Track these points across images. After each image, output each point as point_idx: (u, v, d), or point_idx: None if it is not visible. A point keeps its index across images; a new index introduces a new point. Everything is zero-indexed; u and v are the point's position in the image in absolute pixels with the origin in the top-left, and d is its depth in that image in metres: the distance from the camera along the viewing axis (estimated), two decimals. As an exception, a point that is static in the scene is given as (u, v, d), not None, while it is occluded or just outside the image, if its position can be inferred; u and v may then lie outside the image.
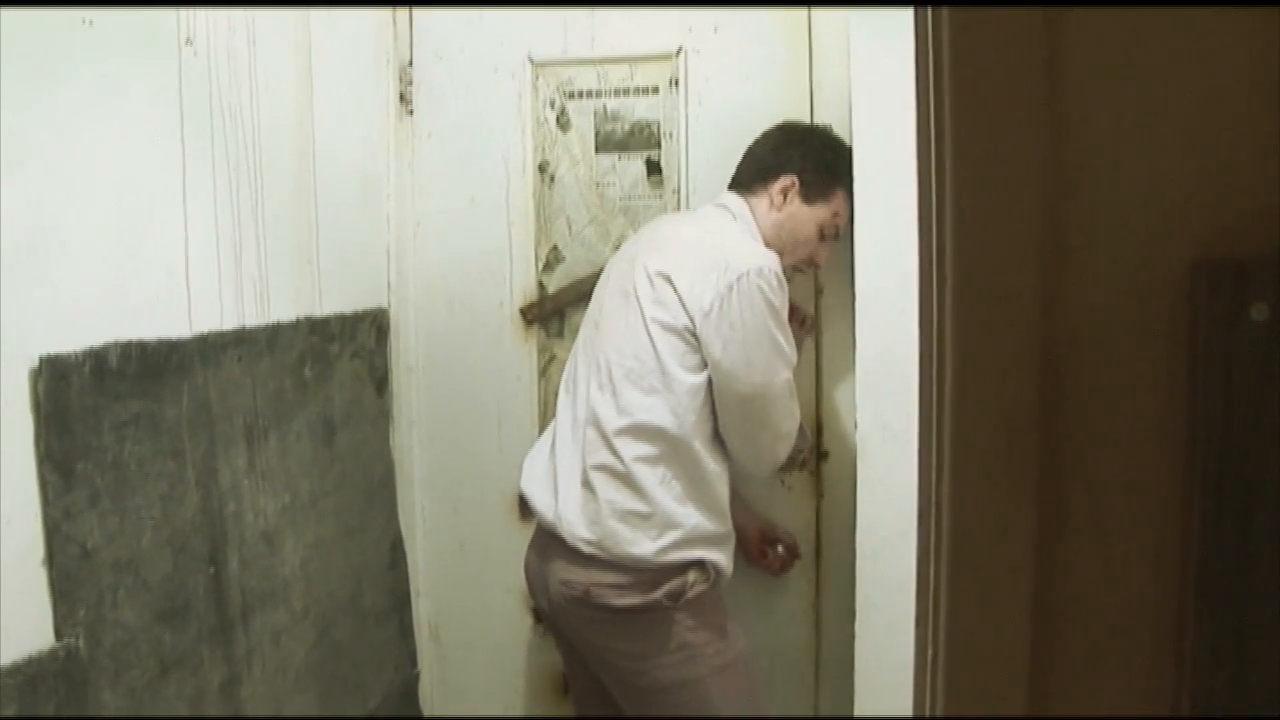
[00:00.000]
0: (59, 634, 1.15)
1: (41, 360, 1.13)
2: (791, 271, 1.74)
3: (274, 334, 1.61)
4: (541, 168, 2.06)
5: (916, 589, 0.70)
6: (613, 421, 1.59)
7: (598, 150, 2.03)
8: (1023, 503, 0.66)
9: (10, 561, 1.10)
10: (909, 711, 0.73)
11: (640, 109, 2.01)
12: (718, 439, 1.63)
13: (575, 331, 1.88)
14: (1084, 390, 0.65)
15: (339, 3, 1.85)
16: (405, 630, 2.09)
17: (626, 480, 1.57)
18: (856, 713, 1.66)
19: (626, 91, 2.01)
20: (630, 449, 1.57)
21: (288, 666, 1.63)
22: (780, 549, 1.97)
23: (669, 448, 1.58)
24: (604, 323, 1.68)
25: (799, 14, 1.93)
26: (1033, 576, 0.66)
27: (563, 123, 2.04)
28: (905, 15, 0.72)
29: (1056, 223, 0.63)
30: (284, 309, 1.65)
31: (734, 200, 1.73)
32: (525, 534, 1.83)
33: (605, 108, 2.02)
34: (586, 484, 1.61)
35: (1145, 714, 0.66)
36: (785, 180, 1.70)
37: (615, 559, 1.57)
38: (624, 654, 1.63)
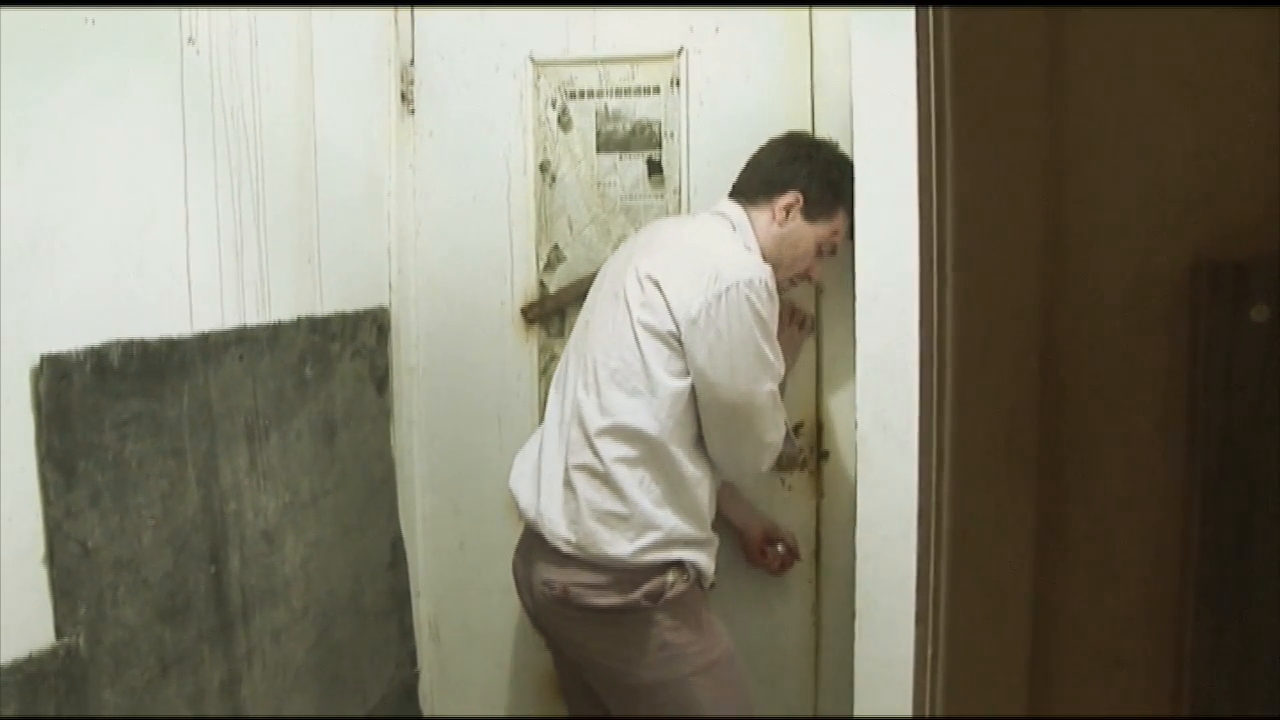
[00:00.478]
0: (59, 632, 1.15)
1: (43, 359, 1.13)
2: (787, 285, 1.74)
3: (275, 333, 1.61)
4: (543, 167, 2.06)
5: (916, 588, 0.70)
6: (595, 421, 1.59)
7: (599, 150, 2.03)
8: (1022, 502, 0.66)
9: (11, 560, 1.10)
10: (909, 711, 0.73)
11: (641, 109, 2.01)
12: (700, 444, 1.63)
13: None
14: (1084, 391, 0.65)
15: (341, 2, 1.85)
16: (405, 629, 2.09)
17: (606, 480, 1.58)
18: (856, 712, 1.66)
19: (628, 91, 2.01)
20: (610, 450, 1.58)
21: (288, 665, 1.63)
22: (780, 548, 1.97)
23: (649, 450, 1.58)
24: (594, 322, 1.68)
25: (800, 14, 1.93)
26: (1032, 576, 0.66)
27: (564, 122, 2.04)
28: (907, 15, 0.72)
29: (1057, 223, 0.63)
30: (285, 308, 1.65)
31: (735, 210, 1.73)
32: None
33: (606, 107, 2.02)
34: (568, 483, 1.61)
35: (1145, 714, 0.66)
36: (789, 197, 1.70)
37: (594, 559, 1.57)
38: (606, 654, 1.63)
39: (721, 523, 1.77)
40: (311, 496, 1.71)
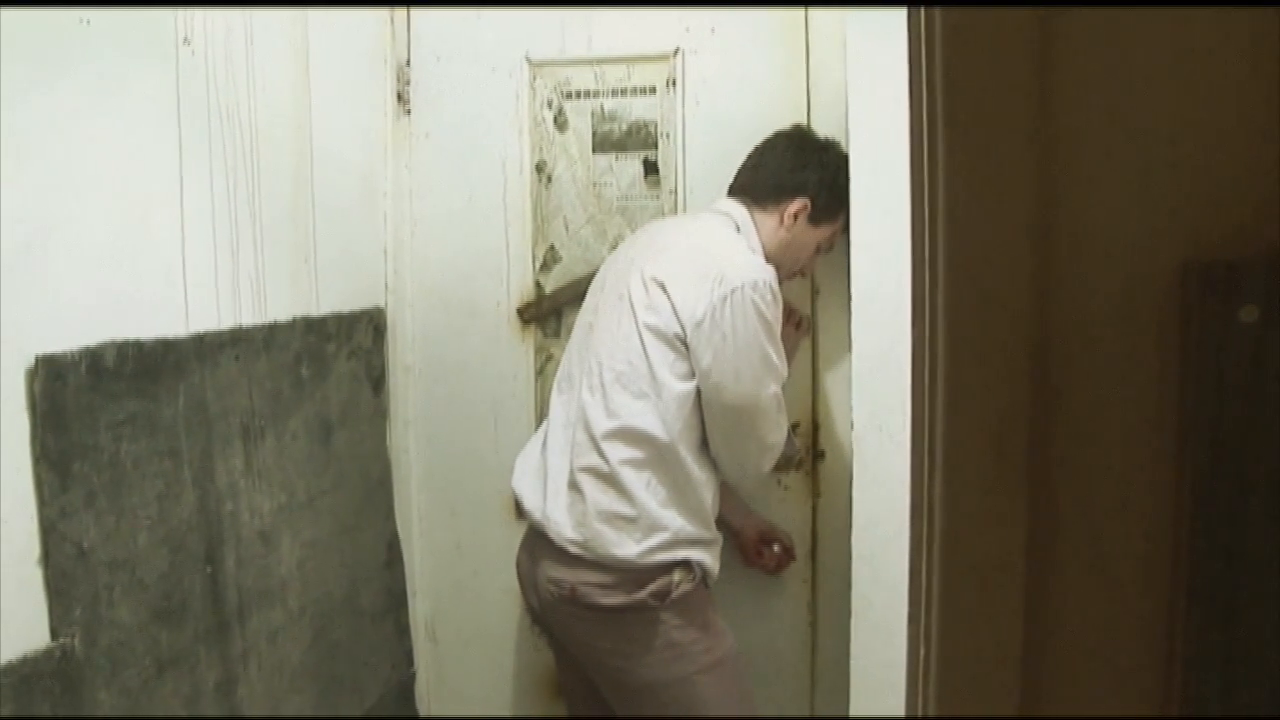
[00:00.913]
0: (54, 633, 1.15)
1: (38, 359, 1.13)
2: (783, 280, 1.75)
3: (271, 333, 1.61)
4: (539, 168, 2.06)
5: (909, 588, 0.71)
6: (601, 424, 1.59)
7: (595, 150, 2.03)
8: (1015, 503, 0.66)
9: (6, 561, 1.10)
10: (904, 711, 0.74)
11: (637, 109, 2.01)
12: (705, 446, 1.64)
13: (571, 331, 1.88)
14: (1075, 391, 0.65)
15: (337, 3, 1.85)
16: (401, 630, 2.09)
17: (612, 482, 1.58)
18: (852, 712, 1.66)
19: (624, 92, 2.01)
20: (617, 452, 1.58)
21: (284, 666, 1.63)
22: (776, 548, 1.97)
23: (655, 453, 1.58)
24: (598, 325, 1.68)
25: (796, 14, 1.93)
26: (1024, 576, 0.66)
27: (560, 123, 2.04)
28: (902, 15, 0.72)
29: (1048, 224, 0.63)
30: (281, 308, 1.65)
31: (739, 210, 1.72)
32: (521, 533, 1.83)
33: (602, 108, 2.02)
34: (574, 485, 1.61)
35: (1136, 714, 0.66)
36: (798, 204, 1.70)
37: (600, 559, 1.58)
38: (612, 653, 1.63)
39: (718, 523, 1.77)
40: (308, 497, 1.71)
